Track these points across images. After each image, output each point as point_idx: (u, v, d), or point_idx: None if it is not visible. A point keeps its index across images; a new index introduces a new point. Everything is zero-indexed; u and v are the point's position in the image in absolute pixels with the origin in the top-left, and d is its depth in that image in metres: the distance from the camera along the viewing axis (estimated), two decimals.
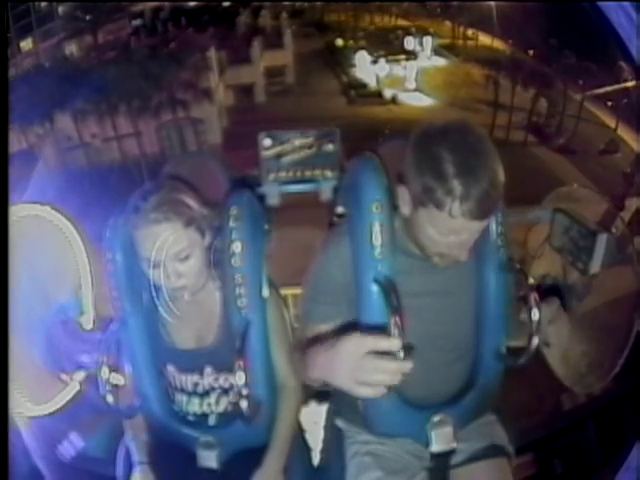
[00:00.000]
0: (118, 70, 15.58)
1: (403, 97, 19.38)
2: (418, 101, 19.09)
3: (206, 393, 1.24)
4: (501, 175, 0.93)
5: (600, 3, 1.07)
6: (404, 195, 1.00)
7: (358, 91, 19.83)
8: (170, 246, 1.09)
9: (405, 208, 1.02)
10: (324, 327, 1.11)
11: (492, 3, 18.70)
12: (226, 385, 1.23)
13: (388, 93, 19.57)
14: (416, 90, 19.69)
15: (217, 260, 1.18)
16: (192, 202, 1.14)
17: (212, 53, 17.72)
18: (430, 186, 0.92)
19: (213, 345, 1.22)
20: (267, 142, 1.79)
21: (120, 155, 15.34)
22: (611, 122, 14.40)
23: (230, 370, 1.17)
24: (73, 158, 14.97)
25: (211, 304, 1.23)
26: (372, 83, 20.55)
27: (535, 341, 1.05)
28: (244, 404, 1.07)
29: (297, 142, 1.81)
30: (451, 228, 0.95)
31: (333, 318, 1.11)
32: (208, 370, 1.22)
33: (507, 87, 16.12)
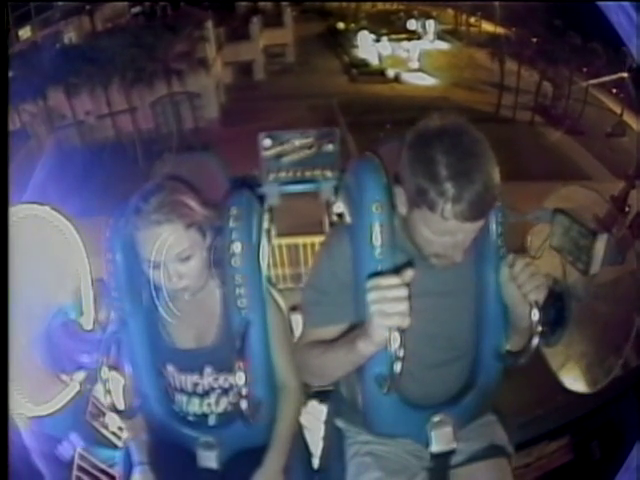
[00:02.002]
0: (111, 40, 14.98)
1: (406, 76, 19.13)
2: (421, 80, 18.85)
3: (206, 393, 1.24)
4: (496, 177, 0.93)
5: (600, 3, 1.07)
6: (400, 195, 1.01)
7: (360, 69, 19.49)
8: (171, 247, 1.09)
9: (402, 208, 1.02)
10: (332, 329, 1.10)
11: None
12: (226, 385, 1.23)
13: (391, 72, 19.34)
14: (419, 70, 19.44)
15: (217, 260, 1.18)
16: (193, 203, 1.14)
17: (210, 25, 17.04)
18: (423, 187, 0.92)
19: (213, 345, 1.22)
20: (267, 142, 1.79)
21: (114, 132, 14.80)
22: (617, 108, 14.33)
23: (230, 370, 1.17)
24: (67, 137, 14.61)
25: (211, 304, 1.22)
26: (374, 62, 20.29)
27: (535, 341, 1.05)
28: (244, 404, 1.07)
29: (297, 142, 1.81)
30: (445, 229, 0.95)
31: (337, 320, 1.10)
32: (208, 370, 1.22)
33: (512, 69, 15.98)
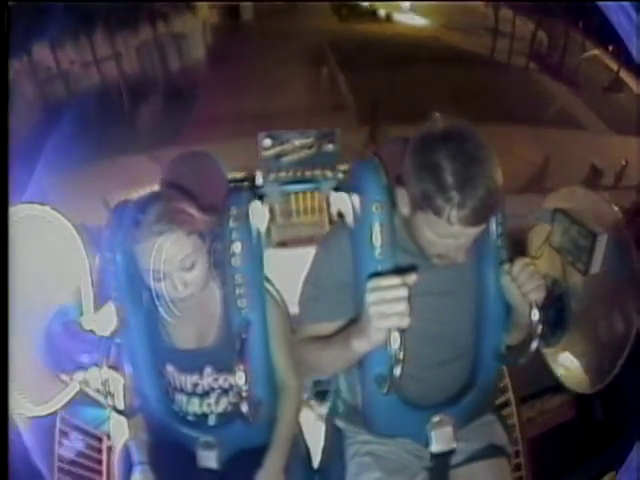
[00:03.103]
0: None
1: (397, 17, 18.56)
2: (413, 21, 18.16)
3: (206, 394, 1.24)
4: (499, 180, 0.94)
5: (600, 3, 1.07)
6: (403, 197, 1.01)
7: (351, 9, 18.73)
8: (175, 256, 1.07)
9: (404, 209, 1.02)
10: (327, 326, 1.10)
11: None
12: (226, 386, 1.23)
13: (382, 12, 18.75)
14: (411, 11, 18.92)
15: (218, 261, 1.18)
16: (192, 210, 1.12)
17: None
18: (429, 194, 0.93)
19: (213, 345, 1.22)
20: (267, 142, 1.79)
21: (100, 79, 13.93)
22: (613, 65, 14.19)
23: (230, 370, 1.17)
24: (52, 89, 14.40)
25: (211, 304, 1.23)
26: (365, 2, 19.56)
27: (536, 341, 1.05)
28: (244, 404, 1.07)
29: (297, 142, 1.81)
30: (449, 233, 0.96)
31: (336, 316, 1.10)
32: (208, 370, 1.22)
33: (507, 17, 15.68)
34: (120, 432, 1.34)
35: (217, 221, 1.18)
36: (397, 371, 0.89)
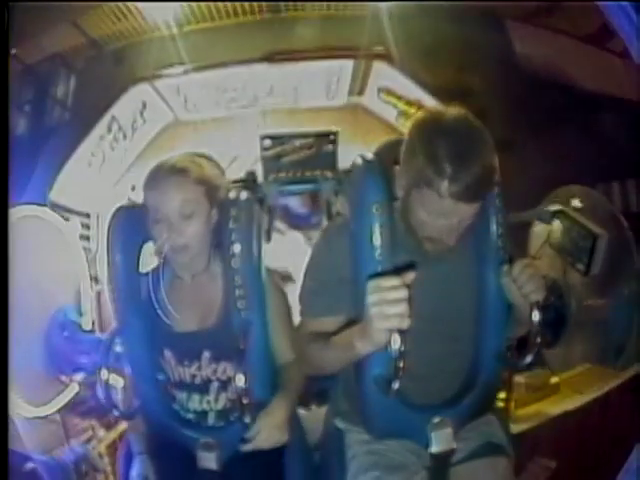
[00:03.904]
0: None
1: None
2: None
3: (205, 388, 1.23)
4: (495, 164, 0.96)
5: (600, 3, 1.07)
6: (400, 179, 1.03)
7: None
8: (176, 196, 1.12)
9: (400, 192, 1.04)
10: (328, 320, 1.10)
11: None
12: (224, 378, 1.22)
13: None
14: None
15: (220, 241, 1.19)
16: (209, 167, 1.19)
17: None
18: (422, 166, 0.95)
19: (213, 328, 1.20)
20: (267, 143, 1.79)
21: None
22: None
23: (228, 358, 1.17)
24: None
25: (214, 287, 1.22)
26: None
27: (536, 342, 1.05)
28: (244, 405, 1.07)
29: (297, 143, 1.81)
30: (440, 209, 0.97)
31: (336, 311, 1.10)
32: (206, 355, 1.21)
33: None
34: None
35: (227, 193, 1.22)
36: (397, 372, 0.89)
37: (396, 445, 1.19)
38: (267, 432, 1.14)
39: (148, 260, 1.22)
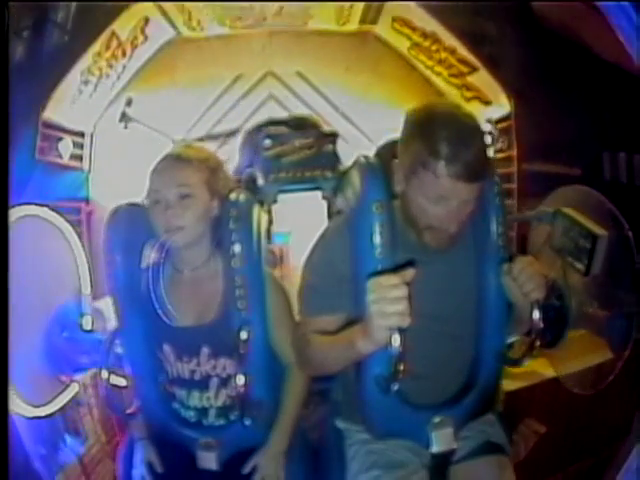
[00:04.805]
0: None
1: None
2: None
3: (205, 385, 1.22)
4: (489, 154, 1.00)
5: (600, 3, 1.06)
6: (398, 172, 1.04)
7: None
8: (175, 177, 1.15)
9: (399, 185, 1.05)
10: (327, 319, 1.10)
11: None
12: (223, 375, 1.22)
13: None
14: None
15: (221, 237, 1.20)
16: (213, 160, 1.23)
17: None
18: (419, 149, 0.98)
19: (212, 323, 1.20)
20: (267, 142, 1.79)
21: None
22: None
23: (228, 355, 1.17)
24: None
25: (214, 282, 1.22)
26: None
27: (537, 341, 1.05)
28: (244, 405, 1.07)
29: (297, 143, 1.82)
30: (438, 193, 0.98)
31: (336, 310, 1.10)
32: (205, 351, 1.21)
33: None
34: None
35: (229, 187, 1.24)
36: (397, 371, 0.89)
37: (396, 444, 1.19)
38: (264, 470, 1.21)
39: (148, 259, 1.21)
